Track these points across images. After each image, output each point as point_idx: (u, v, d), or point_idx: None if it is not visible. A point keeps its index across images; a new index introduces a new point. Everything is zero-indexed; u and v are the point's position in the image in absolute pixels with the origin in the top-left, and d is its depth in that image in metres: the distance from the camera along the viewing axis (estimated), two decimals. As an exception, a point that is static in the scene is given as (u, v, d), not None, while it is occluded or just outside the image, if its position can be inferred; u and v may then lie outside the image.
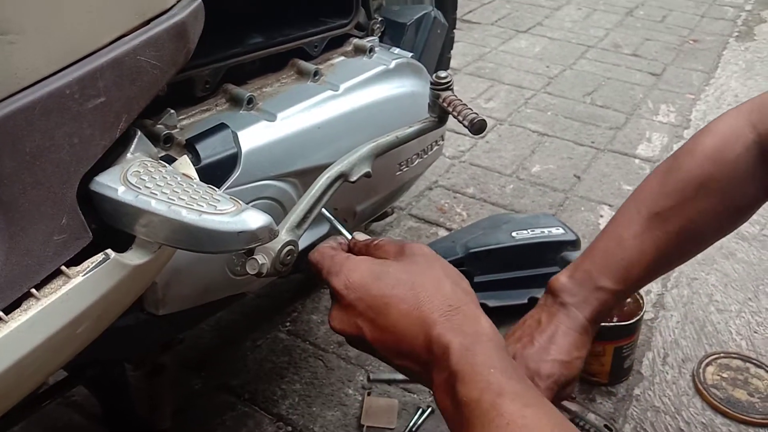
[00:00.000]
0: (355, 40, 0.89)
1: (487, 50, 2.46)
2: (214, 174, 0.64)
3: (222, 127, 0.66)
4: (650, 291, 1.30)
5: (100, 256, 0.49)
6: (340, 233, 0.67)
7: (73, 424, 1.02)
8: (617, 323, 1.06)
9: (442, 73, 0.73)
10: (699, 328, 1.22)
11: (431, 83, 0.73)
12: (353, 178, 0.69)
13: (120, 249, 0.51)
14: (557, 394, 0.75)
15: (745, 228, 1.49)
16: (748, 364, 1.14)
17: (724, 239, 1.43)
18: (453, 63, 1.33)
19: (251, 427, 1.02)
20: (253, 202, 0.69)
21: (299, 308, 1.25)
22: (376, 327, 0.57)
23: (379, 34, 0.94)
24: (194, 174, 0.54)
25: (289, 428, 1.02)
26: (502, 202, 1.58)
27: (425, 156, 0.96)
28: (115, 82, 0.48)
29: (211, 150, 0.64)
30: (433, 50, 1.05)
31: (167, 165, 0.52)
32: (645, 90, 2.19)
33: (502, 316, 1.08)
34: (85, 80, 0.46)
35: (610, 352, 1.06)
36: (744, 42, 2.63)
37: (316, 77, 0.80)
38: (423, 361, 0.55)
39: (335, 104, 0.77)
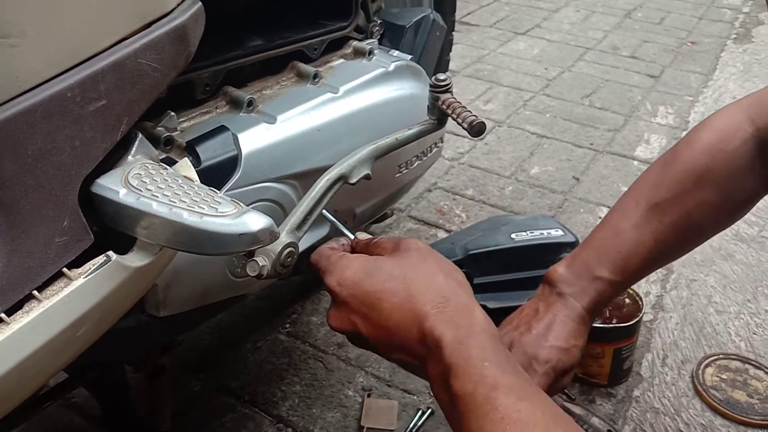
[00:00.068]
0: (355, 43, 0.89)
1: (485, 52, 2.46)
2: (215, 176, 0.64)
3: (222, 129, 0.67)
4: (649, 293, 1.31)
5: (101, 258, 0.49)
6: (343, 234, 0.67)
7: (74, 425, 1.02)
8: (616, 325, 1.07)
9: (441, 76, 0.73)
10: (698, 330, 1.22)
11: (430, 86, 0.74)
12: (353, 180, 0.70)
13: (121, 251, 0.51)
14: (555, 382, 0.75)
15: (744, 229, 1.50)
16: (747, 366, 1.14)
17: (723, 241, 1.44)
18: (452, 65, 1.33)
19: (251, 428, 1.02)
20: (253, 204, 0.69)
21: (299, 310, 1.25)
22: (369, 322, 0.58)
23: (378, 37, 0.94)
24: (195, 176, 0.54)
25: (290, 430, 1.02)
26: (501, 203, 1.58)
27: (425, 158, 0.96)
28: (116, 85, 0.48)
29: (211, 152, 0.64)
30: (432, 52, 1.05)
31: (168, 167, 0.53)
32: (643, 92, 2.19)
33: (501, 318, 1.08)
34: (87, 83, 0.47)
35: (609, 353, 1.07)
36: (742, 44, 2.64)
37: (316, 80, 0.80)
38: (418, 355, 0.55)
39: (335, 107, 0.78)
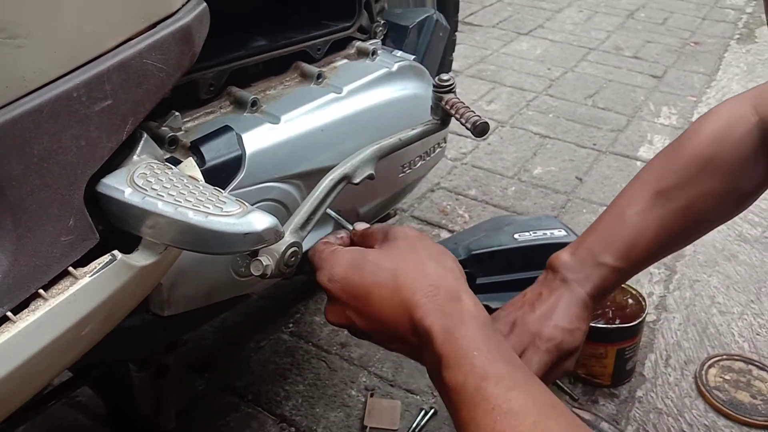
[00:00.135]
0: (358, 43, 0.89)
1: (488, 53, 2.46)
2: (219, 176, 0.64)
3: (226, 129, 0.67)
4: (652, 293, 1.31)
5: (106, 257, 0.49)
6: (343, 227, 0.67)
7: (78, 424, 1.03)
8: (620, 325, 1.07)
9: (445, 76, 0.73)
10: (701, 330, 1.22)
11: (434, 86, 0.74)
12: (356, 180, 0.70)
13: (126, 250, 0.51)
14: (557, 363, 0.74)
15: (747, 230, 1.49)
16: (750, 366, 1.14)
17: (726, 241, 1.44)
18: (454, 65, 1.34)
19: (255, 428, 1.02)
20: (257, 204, 0.69)
21: (302, 310, 1.25)
22: (362, 315, 0.58)
23: (382, 37, 0.94)
24: (200, 176, 0.55)
25: (293, 429, 1.02)
26: (504, 204, 1.59)
27: (428, 158, 0.96)
28: (122, 85, 0.49)
29: (215, 152, 0.65)
30: (435, 53, 1.05)
31: (173, 167, 0.53)
32: (646, 92, 2.19)
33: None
34: (92, 83, 0.47)
35: (612, 354, 1.07)
36: (745, 44, 2.63)
37: (320, 80, 0.80)
38: (413, 345, 0.55)
39: (338, 107, 0.78)
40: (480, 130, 0.71)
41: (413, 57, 0.92)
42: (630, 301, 1.11)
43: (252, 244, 0.48)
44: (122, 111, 0.49)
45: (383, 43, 0.94)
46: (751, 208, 1.58)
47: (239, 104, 0.72)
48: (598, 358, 1.07)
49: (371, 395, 1.07)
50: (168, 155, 0.62)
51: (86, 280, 0.48)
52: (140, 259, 0.51)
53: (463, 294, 0.55)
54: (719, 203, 0.78)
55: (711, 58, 2.49)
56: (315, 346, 1.17)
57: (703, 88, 2.24)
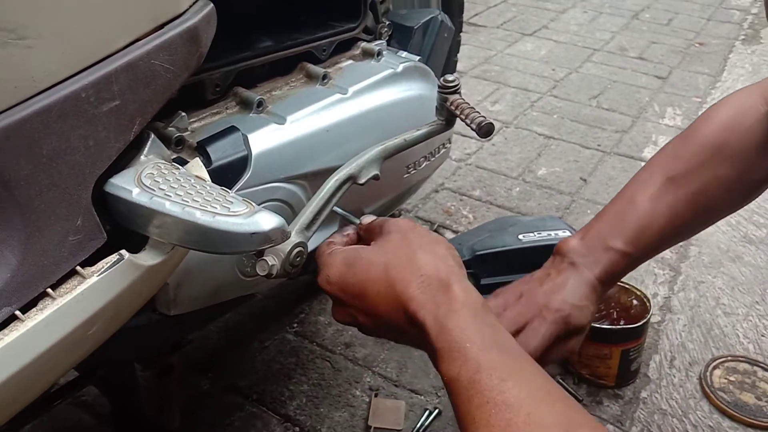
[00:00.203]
0: (363, 44, 0.89)
1: (492, 53, 2.46)
2: (225, 176, 0.65)
3: (232, 129, 0.67)
4: (657, 294, 1.31)
5: (114, 257, 0.49)
6: (350, 223, 0.68)
7: (83, 424, 1.03)
8: (624, 326, 1.06)
9: (450, 77, 0.74)
10: (706, 332, 1.22)
11: (439, 86, 0.74)
12: (362, 181, 0.70)
13: (134, 250, 0.52)
14: (563, 338, 0.72)
15: (752, 231, 1.49)
16: (755, 368, 1.13)
17: (731, 242, 1.44)
18: (459, 66, 1.34)
19: (259, 427, 1.02)
20: (263, 204, 0.69)
21: (306, 309, 1.25)
22: (363, 313, 0.59)
23: (387, 38, 0.94)
24: (206, 176, 0.55)
25: (297, 429, 1.02)
26: (508, 204, 1.59)
27: (432, 159, 0.97)
28: (130, 85, 0.49)
29: (221, 152, 0.65)
30: (440, 53, 1.06)
31: (180, 167, 0.53)
32: (651, 93, 2.19)
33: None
34: (101, 84, 0.47)
35: (617, 354, 1.07)
36: (750, 45, 2.63)
37: (325, 81, 0.80)
38: (415, 338, 0.55)
39: (344, 107, 0.78)
40: (485, 130, 0.72)
41: (418, 58, 0.92)
42: (634, 302, 1.11)
43: (259, 243, 0.49)
44: (130, 111, 0.49)
45: (388, 44, 0.94)
46: (755, 209, 1.58)
47: (245, 105, 0.73)
48: (603, 359, 1.07)
49: (375, 395, 1.07)
50: (174, 155, 0.62)
51: (94, 279, 0.49)
52: (147, 258, 0.52)
53: (453, 282, 0.54)
54: (729, 191, 0.77)
55: (716, 58, 2.48)
56: (319, 346, 1.17)
57: (707, 89, 2.23)
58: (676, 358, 1.16)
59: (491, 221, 1.40)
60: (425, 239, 0.59)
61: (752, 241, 1.46)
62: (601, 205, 1.59)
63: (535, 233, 1.25)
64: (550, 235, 1.25)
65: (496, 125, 1.92)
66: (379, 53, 0.88)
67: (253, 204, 0.50)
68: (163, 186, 0.49)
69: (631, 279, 1.27)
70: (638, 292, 1.11)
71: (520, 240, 1.24)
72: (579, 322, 0.73)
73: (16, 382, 0.46)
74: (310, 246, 0.64)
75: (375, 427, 1.02)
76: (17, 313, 0.45)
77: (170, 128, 0.63)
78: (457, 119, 0.75)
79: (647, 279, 1.34)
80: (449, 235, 1.46)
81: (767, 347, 1.18)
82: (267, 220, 0.48)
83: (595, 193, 1.64)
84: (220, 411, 1.05)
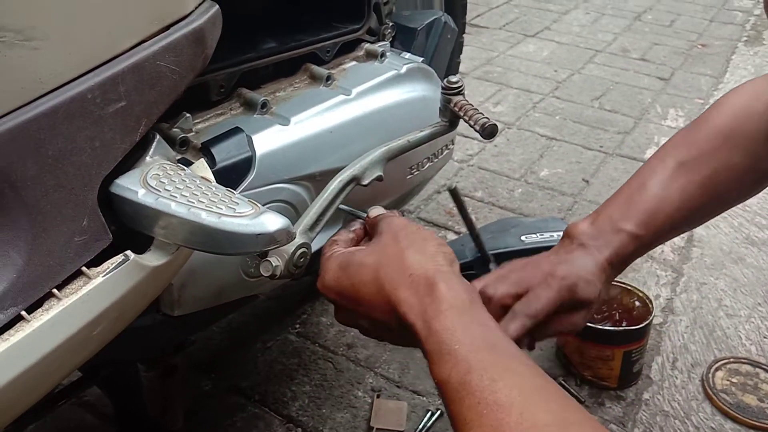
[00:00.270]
0: (367, 45, 0.89)
1: (495, 54, 2.46)
2: (229, 177, 0.65)
3: (237, 130, 0.67)
4: (659, 296, 1.31)
5: (119, 258, 0.50)
6: (357, 218, 0.68)
7: (85, 424, 1.03)
8: (626, 327, 1.07)
9: (454, 78, 0.74)
10: (708, 333, 1.22)
11: (443, 88, 0.74)
12: (365, 182, 0.70)
13: (139, 250, 0.52)
14: (566, 310, 0.71)
15: (755, 233, 1.49)
16: (757, 369, 1.13)
17: (733, 244, 1.44)
18: (461, 67, 1.34)
19: (261, 428, 1.02)
20: (267, 205, 0.70)
21: (309, 310, 1.25)
22: (361, 315, 0.59)
23: (390, 39, 0.94)
24: (211, 177, 0.55)
25: (299, 430, 1.02)
26: (510, 205, 1.59)
27: (435, 160, 0.97)
28: (136, 86, 0.49)
29: (226, 153, 0.65)
30: (443, 55, 1.06)
31: (186, 168, 0.53)
32: (653, 94, 2.19)
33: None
34: (107, 85, 0.47)
35: (619, 356, 1.07)
36: (753, 46, 2.62)
37: (329, 82, 0.80)
38: (410, 339, 0.55)
39: (348, 108, 0.78)
40: (489, 132, 0.72)
41: (421, 59, 0.92)
42: (637, 303, 1.11)
43: (264, 245, 0.49)
44: (136, 112, 0.50)
45: (392, 46, 0.94)
46: (758, 210, 1.58)
47: (249, 106, 0.73)
48: (605, 361, 1.07)
49: (378, 396, 1.07)
50: (179, 156, 0.63)
51: (99, 279, 0.49)
52: (152, 259, 0.52)
53: (439, 282, 0.53)
54: (740, 178, 0.77)
55: (718, 60, 2.48)
56: (322, 346, 1.17)
57: (710, 90, 2.23)
58: (678, 360, 1.16)
59: (493, 222, 1.40)
60: (415, 237, 0.58)
61: (754, 242, 1.46)
62: (603, 206, 1.59)
63: (538, 234, 1.25)
64: (552, 236, 1.24)
65: (499, 126, 1.92)
66: (383, 54, 0.89)
67: (259, 205, 0.50)
68: (169, 187, 0.50)
69: (633, 281, 1.28)
70: (641, 294, 1.11)
71: (522, 241, 1.24)
72: (585, 295, 0.71)
73: (22, 382, 0.46)
74: (314, 246, 0.64)
75: (377, 428, 1.02)
76: (23, 313, 0.46)
77: (175, 129, 0.64)
78: (461, 120, 0.75)
79: (650, 280, 1.34)
80: (451, 236, 1.46)
81: (770, 349, 1.18)
82: (273, 222, 0.49)
83: (598, 194, 1.64)
84: (222, 411, 1.05)
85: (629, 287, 1.12)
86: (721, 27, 2.83)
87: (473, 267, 1.21)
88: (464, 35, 1.26)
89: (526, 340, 0.72)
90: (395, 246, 0.57)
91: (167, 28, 0.52)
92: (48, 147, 0.45)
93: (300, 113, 0.74)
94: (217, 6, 0.57)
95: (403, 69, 0.87)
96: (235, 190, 0.65)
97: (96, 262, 0.50)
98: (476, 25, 2.74)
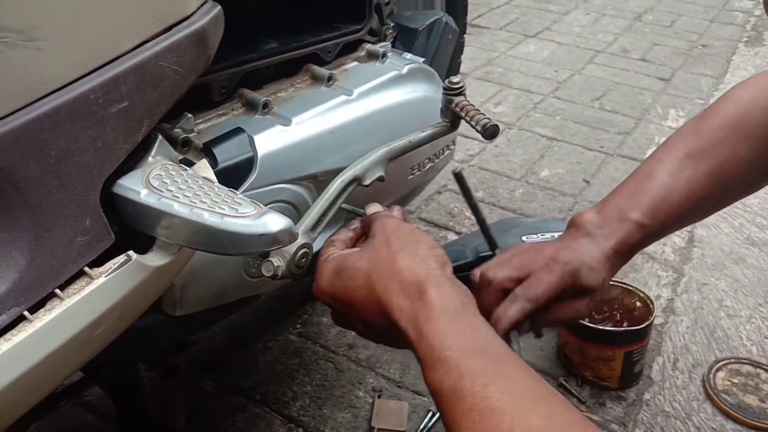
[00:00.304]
0: (368, 46, 0.89)
1: (495, 55, 2.47)
2: (231, 177, 0.65)
3: (238, 131, 0.67)
4: (660, 296, 1.31)
5: (122, 258, 0.50)
6: (357, 216, 0.68)
7: (86, 424, 1.03)
8: (627, 328, 1.07)
9: (455, 78, 0.74)
10: (709, 334, 1.22)
11: (444, 88, 0.74)
12: (367, 182, 0.70)
13: (141, 251, 0.52)
14: (569, 296, 0.70)
15: (755, 233, 1.49)
16: (758, 370, 1.13)
17: (734, 245, 1.44)
18: (462, 67, 1.34)
19: (262, 428, 1.02)
20: (269, 206, 0.70)
21: (310, 311, 1.25)
22: (357, 320, 0.59)
23: (392, 40, 0.94)
24: (213, 177, 0.55)
25: (300, 430, 1.02)
26: (511, 206, 1.59)
27: (437, 160, 0.97)
28: (138, 87, 0.49)
29: (227, 154, 0.65)
30: (444, 55, 1.06)
31: (188, 168, 0.53)
32: (654, 95, 2.19)
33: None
34: (109, 85, 0.48)
35: (620, 356, 1.07)
36: (753, 47, 2.62)
37: (330, 82, 0.80)
38: (405, 343, 0.54)
39: (349, 109, 0.78)
40: (490, 132, 0.72)
41: (423, 59, 0.92)
42: (638, 303, 1.11)
43: (267, 245, 0.49)
44: (138, 113, 0.50)
45: (393, 46, 0.94)
46: (759, 211, 1.58)
47: (251, 106, 0.73)
48: (606, 361, 1.07)
49: (379, 396, 1.07)
50: (180, 157, 0.63)
51: (101, 280, 0.49)
52: (155, 259, 0.52)
53: (429, 287, 0.53)
54: (747, 170, 0.76)
55: (719, 60, 2.48)
56: (322, 347, 1.17)
57: (710, 90, 2.23)
58: (679, 360, 1.16)
59: (494, 223, 1.40)
60: (407, 240, 0.58)
61: (755, 243, 1.46)
62: (604, 206, 1.59)
63: (538, 235, 1.25)
64: (553, 236, 1.24)
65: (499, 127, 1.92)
66: (384, 55, 0.89)
67: (261, 205, 0.50)
68: (171, 187, 0.50)
69: (634, 281, 1.28)
70: (641, 294, 1.11)
71: (523, 242, 1.24)
72: (588, 281, 0.70)
73: (24, 382, 0.46)
74: (316, 247, 0.64)
75: (378, 428, 1.02)
76: (25, 313, 0.46)
77: (176, 129, 0.64)
78: (462, 121, 0.75)
79: (650, 281, 1.34)
80: (452, 236, 1.46)
81: (770, 349, 1.18)
82: (275, 222, 0.49)
83: (598, 194, 1.64)
84: (223, 411, 1.05)
85: (630, 287, 1.12)
86: (722, 27, 2.84)
87: (474, 267, 1.21)
88: (464, 35, 1.26)
89: (528, 324, 0.71)
90: (387, 249, 0.57)
91: (169, 28, 0.52)
92: (51, 147, 0.45)
93: (301, 114, 0.74)
94: (219, 6, 0.57)
95: (405, 69, 0.87)
96: (236, 190, 0.66)
97: (98, 262, 0.50)
98: (477, 25, 2.74)
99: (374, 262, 0.56)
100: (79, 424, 1.03)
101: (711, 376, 1.12)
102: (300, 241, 0.61)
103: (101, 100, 0.47)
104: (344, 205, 0.69)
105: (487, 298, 0.70)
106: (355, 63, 0.88)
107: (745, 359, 1.16)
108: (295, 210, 0.73)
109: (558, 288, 0.69)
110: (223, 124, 0.70)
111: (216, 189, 0.51)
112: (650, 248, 1.43)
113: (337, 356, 1.15)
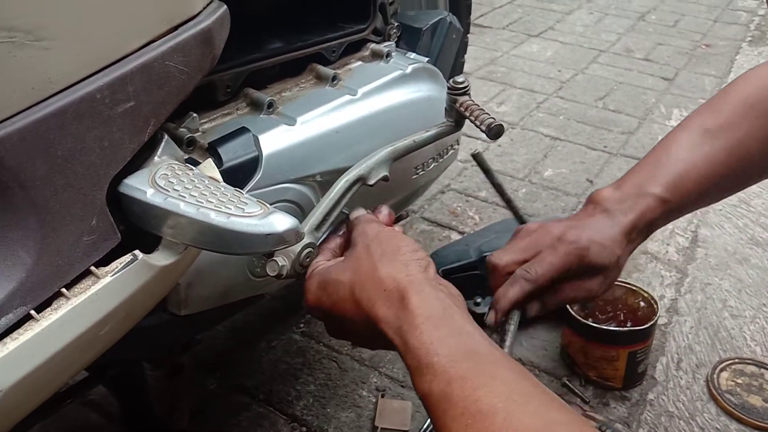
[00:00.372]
0: (373, 45, 0.89)
1: (498, 54, 2.46)
2: (236, 177, 0.65)
3: (243, 130, 0.67)
4: (664, 296, 1.30)
5: (128, 257, 0.50)
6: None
7: (91, 423, 1.04)
8: (631, 328, 1.06)
9: (459, 78, 0.74)
10: (713, 334, 1.22)
11: (448, 88, 0.74)
12: (371, 182, 0.70)
13: (147, 250, 0.52)
14: (577, 276, 0.69)
15: (759, 233, 1.49)
16: (762, 370, 1.13)
17: (738, 245, 1.44)
18: (465, 67, 1.34)
19: (266, 427, 1.03)
20: (273, 205, 0.70)
21: (313, 310, 1.26)
22: (347, 331, 0.59)
23: (396, 39, 0.94)
24: (219, 177, 0.55)
25: (304, 429, 1.02)
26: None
27: (441, 160, 0.97)
28: (144, 86, 0.49)
29: (232, 153, 0.65)
30: (448, 55, 1.06)
31: (194, 168, 0.53)
32: (657, 95, 2.19)
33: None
34: (116, 85, 0.48)
35: (624, 356, 1.07)
36: (757, 47, 2.62)
37: (335, 82, 0.80)
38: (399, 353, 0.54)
39: (353, 109, 0.78)
40: (495, 132, 0.72)
41: (427, 59, 0.92)
42: (642, 303, 1.11)
43: (273, 245, 0.49)
44: (144, 112, 0.50)
45: (397, 46, 0.94)
46: (762, 211, 1.58)
47: (255, 106, 0.73)
48: (610, 361, 1.07)
49: (382, 396, 1.07)
50: (186, 156, 0.63)
51: (108, 279, 0.49)
52: (161, 259, 0.52)
53: (411, 295, 0.52)
54: (765, 148, 0.75)
55: (722, 60, 2.48)
56: (326, 346, 1.17)
57: (714, 90, 2.23)
58: (683, 360, 1.16)
59: (498, 222, 1.40)
60: (387, 247, 0.57)
61: (759, 243, 1.46)
62: (607, 206, 1.58)
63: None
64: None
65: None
66: (388, 54, 0.89)
67: (267, 205, 0.50)
68: (178, 187, 0.50)
69: (638, 281, 1.28)
70: (645, 294, 1.11)
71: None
72: (599, 260, 0.68)
73: (30, 381, 0.46)
74: (320, 247, 0.64)
75: (382, 428, 1.02)
76: (32, 312, 0.46)
77: (181, 129, 0.64)
78: (467, 121, 0.75)
79: (654, 281, 1.34)
80: (455, 236, 1.46)
81: (775, 350, 1.18)
82: (282, 222, 0.49)
83: (602, 194, 1.63)
84: (227, 411, 1.05)
85: (634, 287, 1.12)
86: (725, 27, 2.83)
87: (477, 267, 1.21)
88: (468, 35, 1.26)
89: (537, 306, 0.70)
90: (368, 258, 0.57)
91: (176, 28, 0.52)
92: (57, 147, 0.45)
93: (306, 113, 0.74)
94: (225, 6, 0.57)
95: (409, 69, 0.87)
96: (242, 189, 0.66)
97: (104, 261, 0.50)
98: (480, 24, 2.74)
99: (356, 272, 0.56)
100: (83, 424, 1.03)
101: (715, 376, 1.12)
102: (305, 240, 0.61)
103: (108, 99, 0.47)
104: (345, 210, 0.69)
105: (495, 283, 0.70)
106: (360, 63, 0.88)
107: (749, 359, 1.15)
108: (299, 209, 0.73)
109: (562, 268, 0.67)
110: (228, 123, 0.70)
111: (222, 188, 0.51)
112: (654, 248, 1.43)
113: (341, 356, 1.15)
